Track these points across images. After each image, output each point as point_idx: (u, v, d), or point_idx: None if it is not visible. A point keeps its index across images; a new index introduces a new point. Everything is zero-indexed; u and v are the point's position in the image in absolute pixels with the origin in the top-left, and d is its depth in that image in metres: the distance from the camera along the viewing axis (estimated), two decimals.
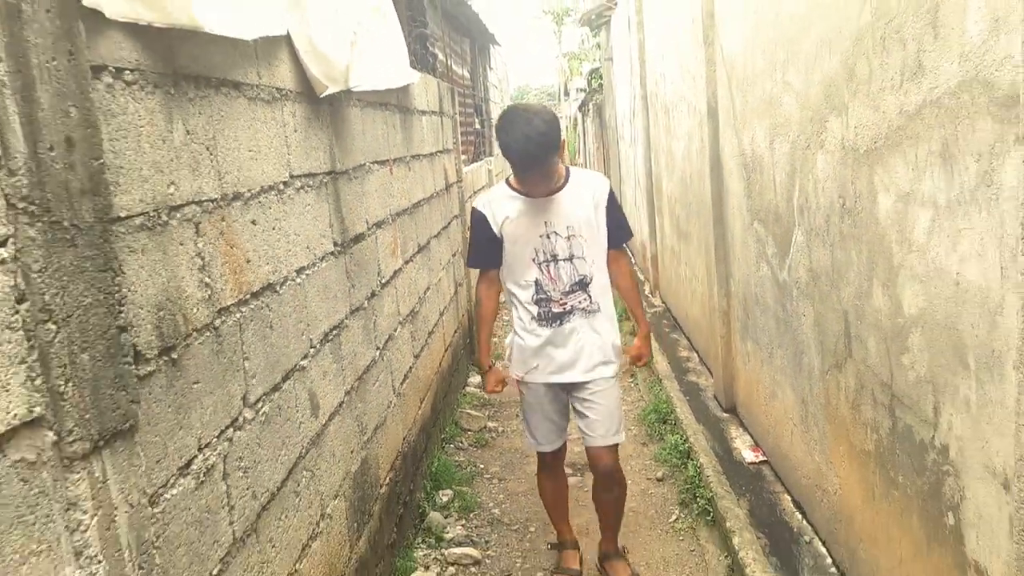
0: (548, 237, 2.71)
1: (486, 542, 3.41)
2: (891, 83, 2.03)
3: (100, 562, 1.13)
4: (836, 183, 2.48)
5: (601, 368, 2.82)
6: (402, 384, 3.40)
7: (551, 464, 3.04)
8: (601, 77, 12.31)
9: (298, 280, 2.10)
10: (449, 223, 5.19)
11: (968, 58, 1.67)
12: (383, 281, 3.15)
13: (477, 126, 8.30)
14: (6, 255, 1.00)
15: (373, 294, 2.98)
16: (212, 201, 1.59)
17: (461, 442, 4.52)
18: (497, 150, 11.68)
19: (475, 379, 5.52)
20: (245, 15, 1.68)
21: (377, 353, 2.99)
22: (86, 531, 1.11)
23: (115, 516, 1.17)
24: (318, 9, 2.18)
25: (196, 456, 1.47)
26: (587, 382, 2.81)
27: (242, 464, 1.68)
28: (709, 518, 3.39)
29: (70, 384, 1.08)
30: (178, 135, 1.46)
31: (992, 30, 1.56)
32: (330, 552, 2.23)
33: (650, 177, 7.28)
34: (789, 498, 3.37)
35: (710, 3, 4.01)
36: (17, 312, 1.01)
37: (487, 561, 3.26)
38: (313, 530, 2.10)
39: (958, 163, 1.74)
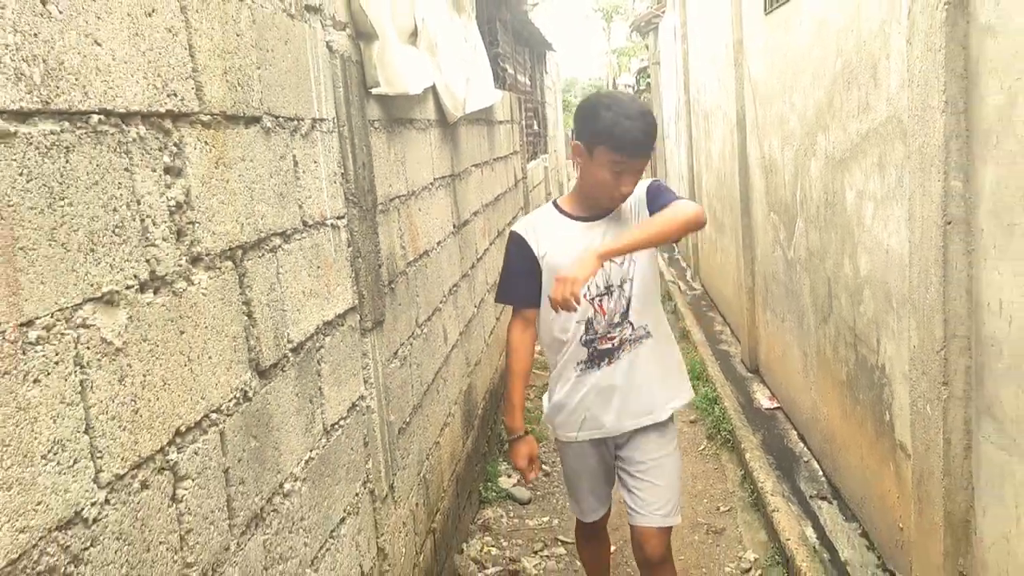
0: (604, 265, 2.08)
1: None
2: (852, 113, 2.91)
3: (372, 386, 2.11)
4: (822, 183, 3.36)
5: (659, 410, 2.26)
6: (489, 336, 4.37)
7: (593, 529, 2.55)
8: (648, 77, 13.13)
9: (438, 249, 3.07)
10: (516, 214, 6.15)
11: (891, 102, 2.54)
12: (478, 256, 4.12)
13: (535, 127, 9.22)
14: (343, 224, 1.97)
15: (473, 265, 3.95)
16: (404, 196, 2.57)
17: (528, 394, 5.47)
18: (554, 146, 12.67)
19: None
20: (417, 77, 2.65)
21: (475, 309, 3.96)
22: (367, 368, 2.08)
23: (377, 364, 2.16)
24: (448, 62, 3.14)
25: (400, 346, 2.46)
26: (639, 433, 2.26)
27: (417, 361, 2.66)
28: (729, 446, 4.29)
29: (364, 291, 2.05)
30: (393, 156, 2.44)
31: (900, 85, 2.44)
32: (453, 440, 3.21)
33: (692, 173, 8.14)
34: (795, 433, 4.25)
35: (739, 32, 4.87)
36: (347, 252, 1.99)
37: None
38: (445, 419, 3.08)
39: (887, 171, 2.62)
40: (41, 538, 0.87)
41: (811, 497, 3.62)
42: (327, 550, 1.74)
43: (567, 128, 35.18)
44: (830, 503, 3.50)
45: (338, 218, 1.91)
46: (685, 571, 3.19)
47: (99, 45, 1.03)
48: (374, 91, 2.14)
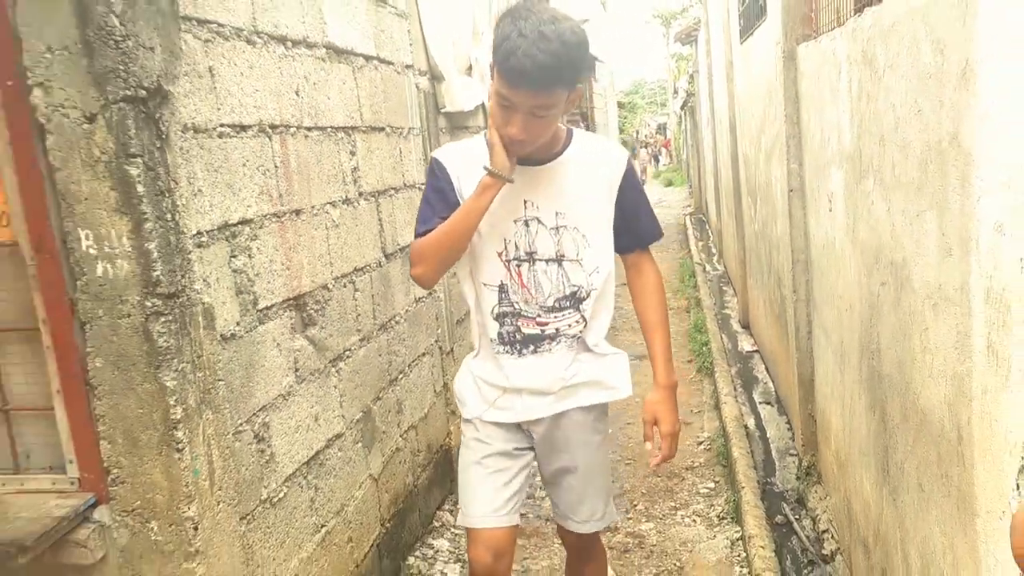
0: (527, 224, 1.81)
1: None
2: (770, 120, 4.19)
3: (441, 287, 3.53)
4: (763, 171, 4.64)
5: (585, 392, 1.92)
6: None
7: (489, 559, 1.87)
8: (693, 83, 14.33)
9: None
10: None
11: (777, 117, 3.82)
12: None
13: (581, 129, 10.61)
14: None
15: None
16: None
17: None
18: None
19: None
20: (470, 99, 4.06)
21: None
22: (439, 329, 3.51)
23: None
24: None
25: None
26: (562, 417, 1.92)
27: None
28: (709, 374, 5.58)
29: None
30: None
31: (778, 103, 3.72)
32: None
33: (715, 168, 9.37)
34: (763, 366, 5.51)
35: (730, 54, 6.15)
36: None
37: None
38: None
39: (776, 161, 3.90)
40: (314, 289, 2.32)
41: (760, 403, 4.90)
42: (416, 364, 3.17)
43: (626, 132, 36.01)
44: (772, 406, 4.78)
45: (422, 183, 3.34)
46: None
47: (330, 100, 2.47)
48: (442, 110, 3.56)
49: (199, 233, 1.79)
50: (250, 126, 2.02)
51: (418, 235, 1.82)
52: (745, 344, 6.08)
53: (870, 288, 2.23)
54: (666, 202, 20.27)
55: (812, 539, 3.20)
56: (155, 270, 1.62)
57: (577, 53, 1.61)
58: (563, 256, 1.85)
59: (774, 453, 4.17)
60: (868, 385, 2.35)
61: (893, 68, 1.87)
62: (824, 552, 3.06)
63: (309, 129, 2.33)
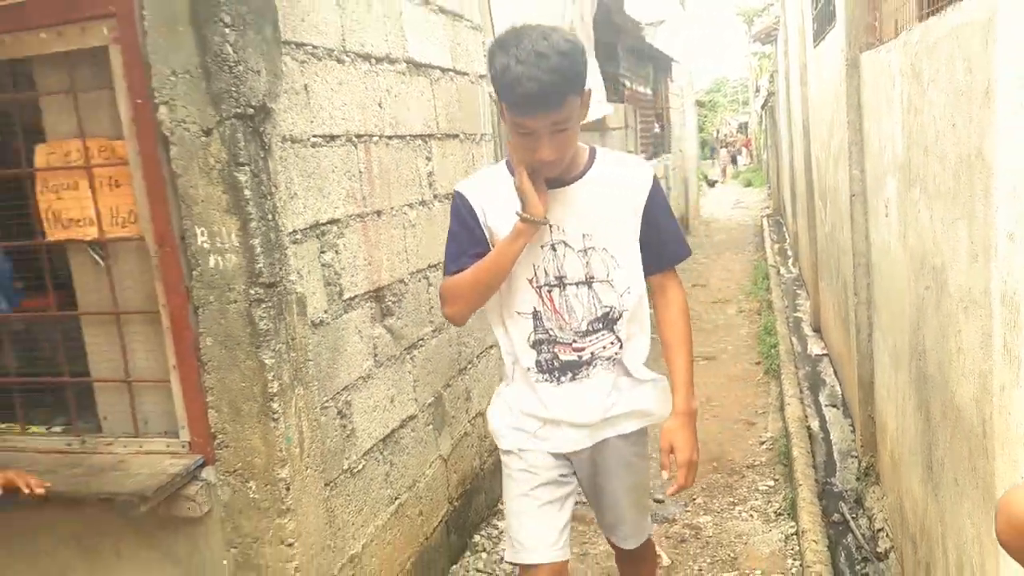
0: (554, 249, 1.80)
1: None
2: (838, 125, 4.23)
3: None
4: (831, 174, 4.67)
5: (624, 422, 1.91)
6: None
7: None
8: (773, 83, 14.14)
9: None
10: None
11: (843, 124, 3.87)
12: None
13: (656, 130, 10.63)
14: None
15: None
16: None
17: None
18: (676, 145, 13.98)
19: None
20: None
21: None
22: None
23: None
24: None
25: None
26: (602, 444, 1.92)
27: None
28: (776, 376, 5.62)
29: None
30: None
31: (843, 109, 3.77)
32: None
33: (791, 169, 9.30)
34: (832, 369, 5.52)
35: (803, 56, 6.15)
36: None
37: None
38: None
39: (842, 166, 3.95)
40: (392, 282, 2.55)
41: (825, 406, 4.93)
42: (483, 356, 3.38)
43: (706, 131, 35.40)
44: (837, 408, 4.81)
45: None
46: (722, 446, 4.61)
47: (409, 111, 2.71)
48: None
49: (294, 231, 2.04)
50: (338, 136, 2.26)
51: (448, 273, 1.82)
52: (815, 347, 6.09)
53: (917, 292, 2.32)
54: (744, 203, 20.00)
55: (867, 537, 3.27)
56: (258, 263, 1.87)
57: (576, 59, 1.60)
58: (593, 278, 1.82)
59: (836, 454, 4.22)
60: (916, 386, 2.43)
61: (935, 83, 1.96)
62: (878, 550, 3.13)
63: (390, 138, 2.57)
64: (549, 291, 1.82)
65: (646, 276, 1.92)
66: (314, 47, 2.16)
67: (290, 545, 1.99)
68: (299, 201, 2.08)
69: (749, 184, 25.69)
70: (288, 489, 1.97)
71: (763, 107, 22.07)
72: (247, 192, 1.84)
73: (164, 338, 1.99)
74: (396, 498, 2.58)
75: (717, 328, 7.27)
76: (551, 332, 1.83)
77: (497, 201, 1.79)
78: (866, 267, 3.44)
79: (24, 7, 1.90)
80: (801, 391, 5.07)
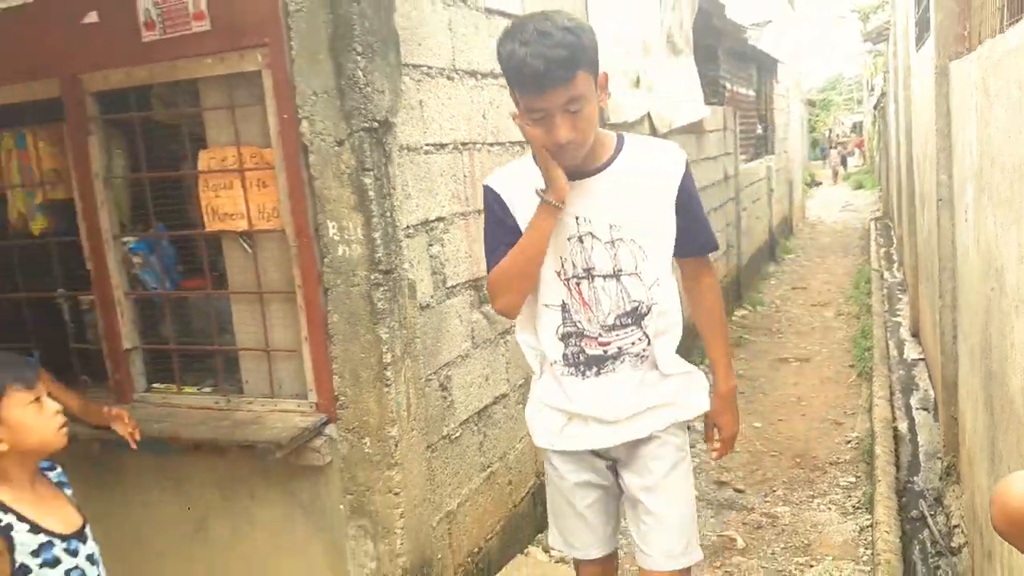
0: (580, 240, 1.77)
1: None
2: (925, 140, 4.26)
3: None
4: (929, 175, 4.67)
5: (654, 418, 1.85)
6: None
7: None
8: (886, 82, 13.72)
9: None
10: (725, 202, 7.71)
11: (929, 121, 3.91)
12: None
13: (759, 131, 10.57)
14: None
15: None
16: None
17: None
18: (780, 147, 13.76)
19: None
20: (634, 110, 4.46)
21: None
22: None
23: None
24: (660, 95, 4.92)
25: None
26: (640, 445, 1.85)
27: None
28: (868, 380, 5.62)
29: None
30: None
31: (932, 111, 3.82)
32: None
33: (897, 171, 9.10)
34: (927, 373, 5.48)
35: (908, 59, 6.09)
36: None
37: None
38: None
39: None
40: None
41: (917, 409, 4.94)
42: None
43: (818, 131, 34.08)
44: (928, 411, 4.82)
45: None
46: (808, 443, 4.70)
47: (508, 119, 3.01)
48: (608, 121, 4.01)
49: (407, 227, 2.37)
50: (447, 144, 2.59)
51: (489, 268, 1.80)
52: (912, 352, 6.04)
53: (985, 293, 2.44)
54: (853, 206, 19.38)
55: (943, 533, 3.34)
56: (378, 253, 2.21)
57: (582, 35, 1.58)
58: (620, 271, 1.76)
59: (921, 456, 4.26)
60: (984, 383, 2.54)
61: (999, 97, 2.10)
62: (953, 545, 3.21)
63: (491, 145, 2.88)
64: (578, 283, 1.78)
65: (679, 261, 1.91)
66: (428, 67, 2.48)
67: (396, 494, 2.32)
68: (412, 201, 2.41)
69: (860, 186, 24.78)
70: (396, 446, 2.30)
71: (876, 107, 21.29)
72: (371, 193, 2.18)
73: (298, 314, 2.36)
74: (488, 466, 2.88)
75: (813, 330, 7.26)
76: (579, 325, 1.79)
77: (523, 190, 1.75)
78: (952, 271, 3.51)
79: (195, 37, 2.30)
80: (892, 394, 5.09)
